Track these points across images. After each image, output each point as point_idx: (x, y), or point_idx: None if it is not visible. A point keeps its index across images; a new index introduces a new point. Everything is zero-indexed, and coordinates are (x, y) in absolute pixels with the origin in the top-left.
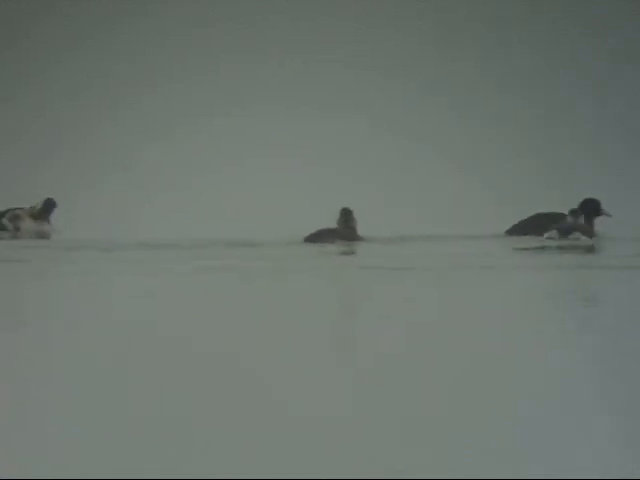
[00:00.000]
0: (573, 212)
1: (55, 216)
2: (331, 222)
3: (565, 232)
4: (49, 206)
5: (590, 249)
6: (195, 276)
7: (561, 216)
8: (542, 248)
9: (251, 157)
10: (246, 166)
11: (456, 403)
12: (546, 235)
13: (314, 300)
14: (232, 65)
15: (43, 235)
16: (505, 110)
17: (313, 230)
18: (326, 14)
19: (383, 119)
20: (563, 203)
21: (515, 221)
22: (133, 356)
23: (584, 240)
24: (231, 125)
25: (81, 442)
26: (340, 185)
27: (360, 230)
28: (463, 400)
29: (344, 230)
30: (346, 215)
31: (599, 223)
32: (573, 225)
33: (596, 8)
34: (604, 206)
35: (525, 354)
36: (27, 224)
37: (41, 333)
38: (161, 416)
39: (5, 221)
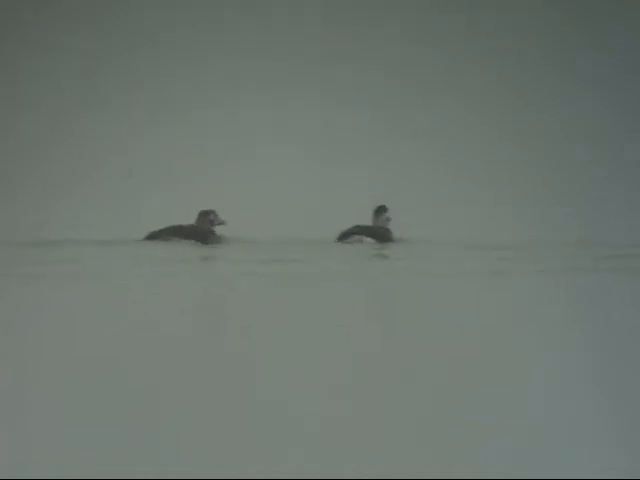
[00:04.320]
0: (377, 211)
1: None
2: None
3: (344, 236)
4: None
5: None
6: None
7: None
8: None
9: (251, 156)
10: (246, 166)
11: (454, 401)
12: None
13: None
14: (232, 65)
15: None
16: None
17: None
18: (327, 14)
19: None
20: (561, 202)
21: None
22: (130, 355)
23: (369, 243)
24: (231, 125)
25: (80, 442)
26: (338, 184)
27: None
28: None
29: (196, 229)
30: (199, 215)
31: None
32: (353, 229)
33: (596, 9)
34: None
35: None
36: None
37: (36, 332)
38: (161, 416)
39: None
